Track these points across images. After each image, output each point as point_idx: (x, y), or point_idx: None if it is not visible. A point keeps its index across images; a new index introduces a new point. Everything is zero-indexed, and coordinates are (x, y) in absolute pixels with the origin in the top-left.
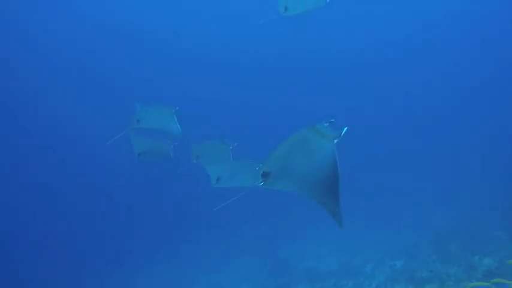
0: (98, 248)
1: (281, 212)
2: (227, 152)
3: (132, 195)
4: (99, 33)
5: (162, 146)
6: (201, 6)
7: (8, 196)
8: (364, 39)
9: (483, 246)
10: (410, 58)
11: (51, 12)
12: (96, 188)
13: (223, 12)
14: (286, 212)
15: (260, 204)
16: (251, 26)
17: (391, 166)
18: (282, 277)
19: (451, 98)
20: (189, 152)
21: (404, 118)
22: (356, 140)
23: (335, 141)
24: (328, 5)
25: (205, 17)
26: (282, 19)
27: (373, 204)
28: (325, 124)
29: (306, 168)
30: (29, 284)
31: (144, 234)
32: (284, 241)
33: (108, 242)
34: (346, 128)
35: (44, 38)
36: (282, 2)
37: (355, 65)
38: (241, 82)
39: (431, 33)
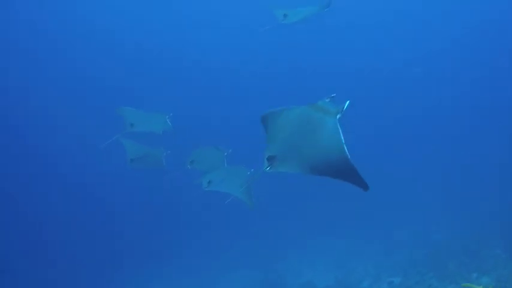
0: (90, 258)
1: (279, 225)
2: (222, 158)
3: (126, 204)
4: (94, 40)
5: (155, 153)
6: (197, 12)
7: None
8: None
9: (481, 263)
10: (418, 65)
11: (45, 15)
12: (92, 193)
13: (217, 18)
14: (284, 225)
15: (258, 216)
16: (246, 32)
17: (389, 180)
18: None
19: (451, 117)
20: (181, 159)
21: (406, 133)
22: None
23: (338, 116)
24: (326, 12)
25: (199, 24)
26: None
27: (372, 218)
28: (327, 100)
29: (311, 148)
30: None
31: (139, 245)
32: (281, 254)
33: (102, 252)
34: (348, 102)
35: (41, 45)
36: (280, 10)
37: (357, 68)
38: (238, 89)
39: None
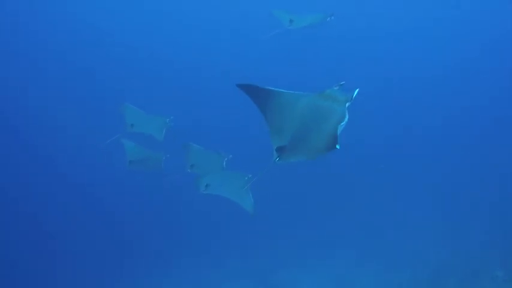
0: (87, 262)
1: (276, 238)
2: (221, 163)
3: (125, 208)
4: (95, 43)
5: (155, 156)
6: (199, 14)
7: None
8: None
9: (482, 285)
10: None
11: (45, 16)
12: (91, 193)
13: (221, 20)
14: (281, 239)
15: (256, 225)
16: (249, 35)
17: (390, 195)
18: None
19: (454, 133)
20: (182, 162)
21: (407, 148)
22: (354, 166)
23: (347, 104)
24: (329, 22)
25: (200, 26)
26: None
27: (371, 234)
28: (335, 88)
29: (319, 136)
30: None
31: (138, 251)
32: (277, 269)
33: (98, 258)
34: (357, 90)
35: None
36: (286, 15)
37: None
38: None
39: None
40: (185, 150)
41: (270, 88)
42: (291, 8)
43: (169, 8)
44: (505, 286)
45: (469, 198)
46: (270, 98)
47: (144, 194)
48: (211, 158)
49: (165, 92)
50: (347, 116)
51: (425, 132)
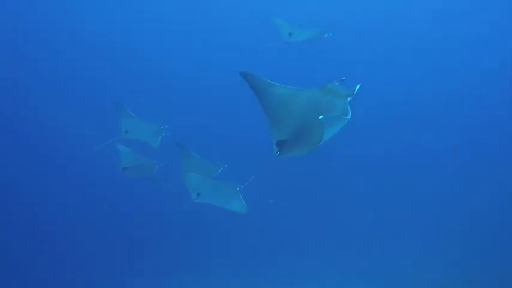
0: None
1: (264, 250)
2: (216, 172)
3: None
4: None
5: (149, 164)
6: (197, 18)
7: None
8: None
9: None
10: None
11: (48, 16)
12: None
13: (220, 23)
14: (272, 257)
15: (243, 247)
16: (252, 40)
17: (381, 216)
18: None
19: (449, 152)
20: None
21: (400, 168)
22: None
23: (348, 99)
24: (327, 38)
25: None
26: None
27: (360, 256)
28: (336, 83)
29: (319, 131)
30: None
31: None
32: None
33: (96, 261)
34: (359, 85)
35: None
36: (286, 28)
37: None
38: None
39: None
40: (181, 154)
41: (271, 81)
42: (295, 8)
43: (170, 9)
44: None
45: (462, 218)
46: (271, 90)
47: (143, 195)
48: (206, 167)
49: (165, 93)
50: (350, 112)
51: (425, 149)
